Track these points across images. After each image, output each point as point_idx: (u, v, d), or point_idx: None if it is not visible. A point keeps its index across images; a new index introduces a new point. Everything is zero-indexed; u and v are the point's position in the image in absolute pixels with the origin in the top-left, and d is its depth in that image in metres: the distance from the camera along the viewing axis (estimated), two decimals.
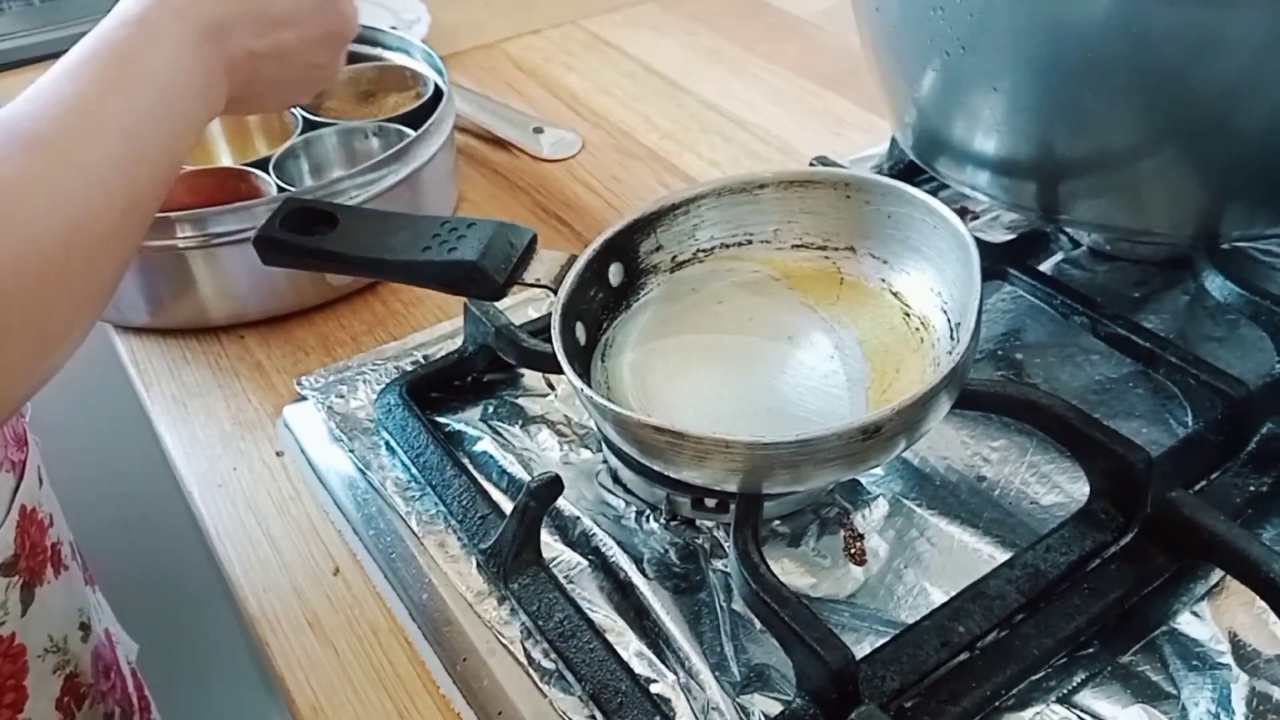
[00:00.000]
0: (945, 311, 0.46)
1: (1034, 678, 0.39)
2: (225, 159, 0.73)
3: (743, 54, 0.90)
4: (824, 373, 0.46)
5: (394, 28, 0.90)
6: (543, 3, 1.00)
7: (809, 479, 0.41)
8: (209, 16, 0.45)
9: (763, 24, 0.95)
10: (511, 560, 0.43)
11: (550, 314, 0.45)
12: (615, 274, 0.49)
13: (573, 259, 0.47)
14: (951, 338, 0.45)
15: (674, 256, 0.51)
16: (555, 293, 0.46)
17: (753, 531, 0.40)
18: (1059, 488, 0.47)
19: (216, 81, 0.46)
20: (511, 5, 1.00)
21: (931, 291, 0.47)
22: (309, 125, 0.69)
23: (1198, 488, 0.46)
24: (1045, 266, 0.60)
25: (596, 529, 0.45)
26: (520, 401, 0.53)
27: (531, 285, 0.47)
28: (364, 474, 0.49)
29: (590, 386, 0.45)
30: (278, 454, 0.53)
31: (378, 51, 0.76)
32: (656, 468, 0.42)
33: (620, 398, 0.45)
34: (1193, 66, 0.46)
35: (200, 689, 0.88)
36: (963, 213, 0.65)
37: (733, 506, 0.42)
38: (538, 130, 0.78)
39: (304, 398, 0.54)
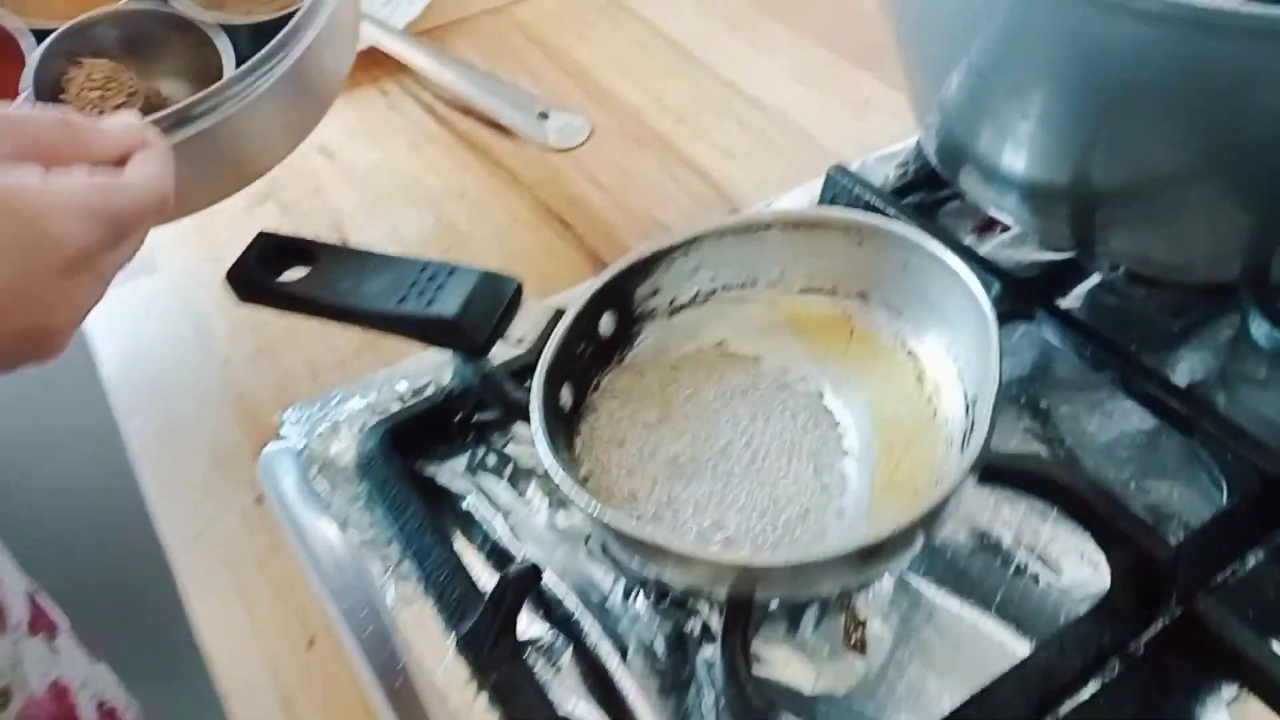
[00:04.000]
0: (961, 380, 0.42)
1: None
2: None
3: (767, 20, 0.84)
4: (827, 445, 0.43)
5: None
6: None
7: (806, 593, 0.38)
8: None
9: None
10: (488, 652, 0.40)
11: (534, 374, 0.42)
12: (607, 324, 0.46)
13: (559, 315, 0.44)
14: (966, 414, 0.41)
15: (672, 299, 0.47)
16: (540, 353, 0.43)
17: (742, 642, 0.38)
18: (1080, 562, 0.44)
19: None
20: None
21: (948, 354, 0.43)
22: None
23: (1229, 572, 0.42)
24: (1079, 291, 0.56)
25: (580, 610, 0.43)
26: (510, 450, 0.50)
27: (514, 345, 0.44)
28: (341, 532, 0.47)
29: (575, 458, 0.43)
30: (257, 500, 0.50)
31: None
32: (646, 571, 0.39)
33: (603, 470, 0.42)
34: (1245, 95, 0.41)
35: None
36: (992, 223, 0.60)
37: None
38: (543, 115, 0.73)
39: (283, 436, 0.51)
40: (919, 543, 0.36)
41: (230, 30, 0.55)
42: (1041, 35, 0.44)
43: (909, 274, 0.44)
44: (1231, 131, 0.42)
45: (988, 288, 0.48)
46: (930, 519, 0.34)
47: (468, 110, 0.75)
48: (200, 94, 0.49)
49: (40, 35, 0.52)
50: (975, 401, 0.41)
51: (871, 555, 0.34)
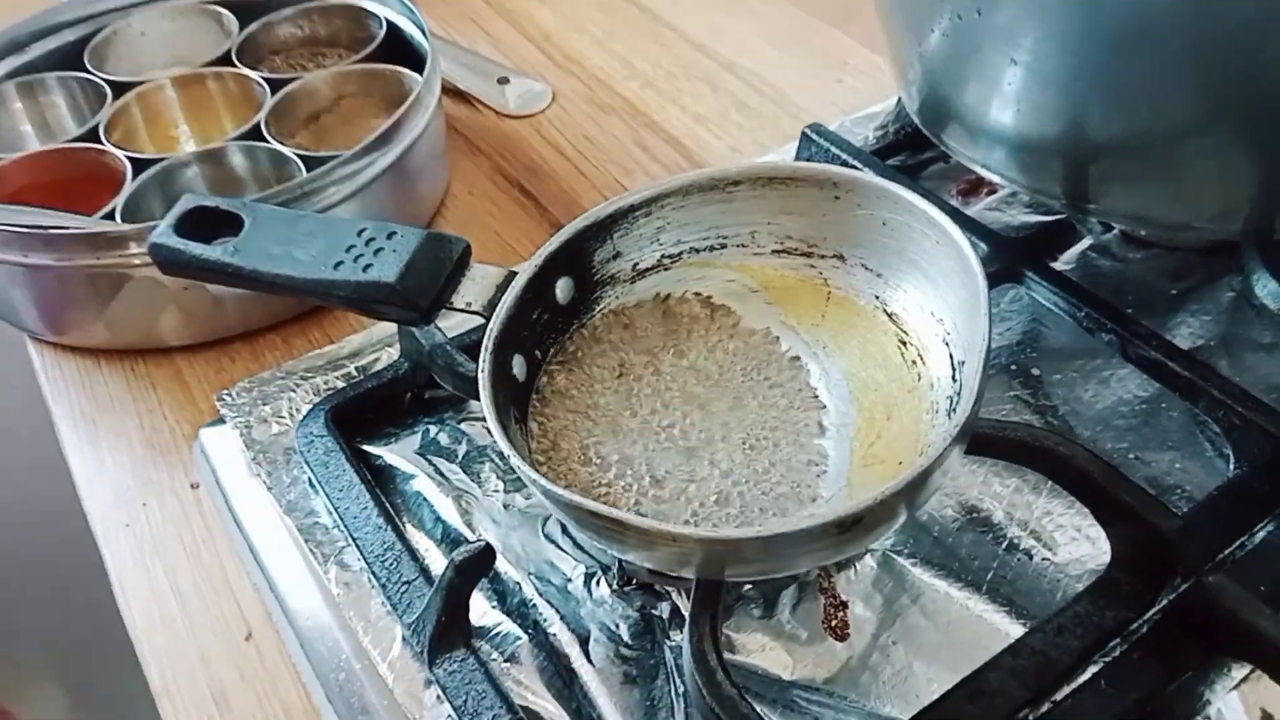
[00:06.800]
0: (947, 344, 0.39)
1: None
2: (187, 136, 0.65)
3: None
4: (803, 416, 0.39)
5: None
6: None
7: (781, 570, 0.35)
8: None
9: None
10: (436, 642, 0.37)
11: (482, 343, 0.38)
12: (564, 290, 0.42)
13: (510, 278, 0.40)
14: (954, 379, 0.38)
15: (635, 264, 0.44)
16: (489, 320, 0.39)
17: (711, 623, 0.34)
18: (1077, 537, 0.41)
19: None
20: None
21: (933, 316, 0.40)
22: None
23: (1237, 545, 0.39)
24: (1071, 254, 0.53)
25: (538, 598, 0.39)
26: (464, 427, 0.46)
27: (462, 311, 0.40)
28: (282, 518, 0.43)
29: (529, 432, 0.39)
30: (193, 486, 0.47)
31: (346, 0, 0.68)
32: (607, 549, 0.36)
33: (560, 444, 0.39)
34: (1264, 29, 0.38)
35: None
36: (978, 185, 0.57)
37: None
38: (503, 81, 0.69)
39: (223, 418, 0.48)
40: (901, 516, 0.33)
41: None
42: None
43: (889, 231, 0.41)
44: (1246, 71, 0.39)
45: (974, 248, 0.45)
46: (913, 489, 0.31)
47: None
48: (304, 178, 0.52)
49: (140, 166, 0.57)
50: (962, 365, 0.37)
51: (849, 528, 0.31)
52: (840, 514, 0.31)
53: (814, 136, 0.56)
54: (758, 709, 0.33)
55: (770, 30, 0.74)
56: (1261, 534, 0.39)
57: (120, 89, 0.62)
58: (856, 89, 0.68)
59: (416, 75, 0.60)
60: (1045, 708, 0.35)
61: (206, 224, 0.43)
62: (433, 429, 0.46)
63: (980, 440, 0.40)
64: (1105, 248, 0.53)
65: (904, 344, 0.40)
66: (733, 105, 0.68)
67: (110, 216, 0.53)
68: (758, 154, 0.63)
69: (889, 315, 0.41)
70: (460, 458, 0.45)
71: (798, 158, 0.57)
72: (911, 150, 0.59)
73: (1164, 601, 0.37)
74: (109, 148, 0.58)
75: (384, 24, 0.65)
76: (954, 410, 0.37)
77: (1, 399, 0.64)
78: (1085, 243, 0.53)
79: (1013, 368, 0.47)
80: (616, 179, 0.63)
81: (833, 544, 0.32)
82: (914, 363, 0.40)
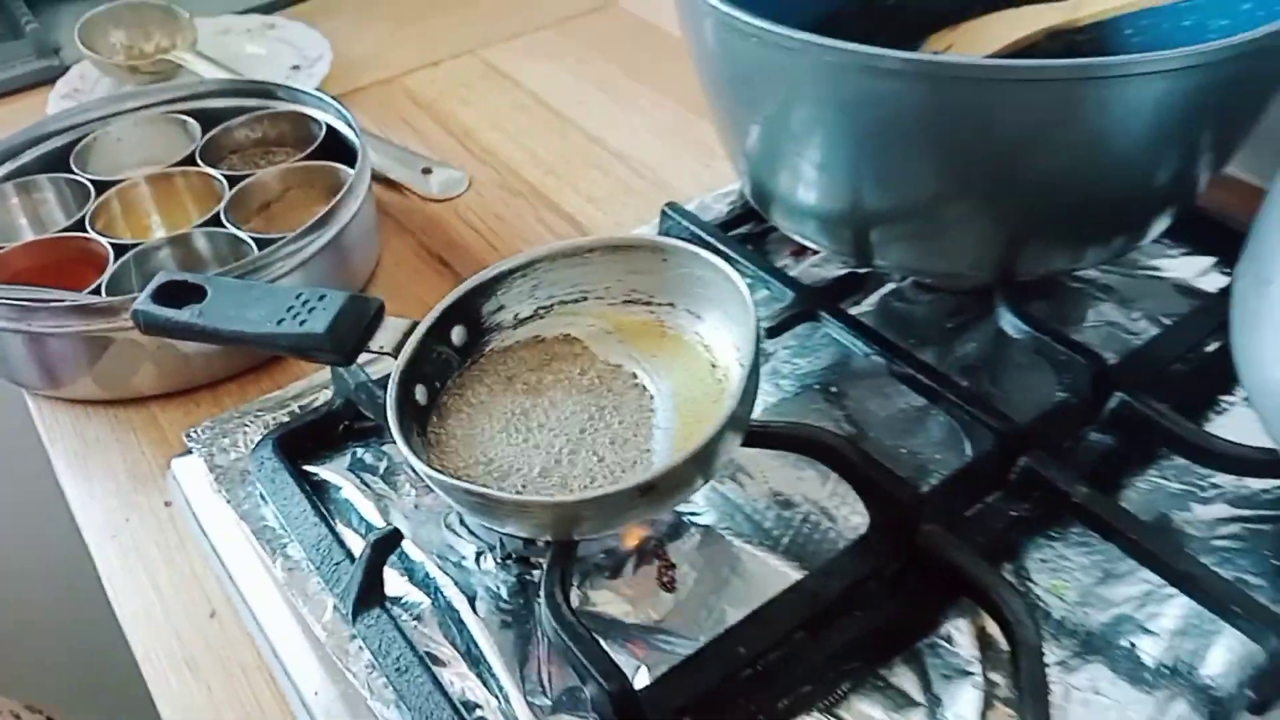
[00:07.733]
0: (741, 365, 0.51)
1: (803, 690, 0.46)
2: (158, 224, 0.77)
3: (630, 82, 0.95)
4: (640, 423, 0.52)
5: (297, 66, 0.95)
6: (444, 31, 1.05)
7: (611, 528, 0.47)
8: None
9: (654, 49, 1.00)
10: (358, 606, 0.49)
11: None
12: (458, 335, 0.55)
13: (414, 326, 0.53)
14: None
15: (516, 314, 0.56)
16: (396, 358, 0.52)
17: (560, 574, 0.46)
18: (857, 511, 0.53)
19: None
20: (413, 35, 1.05)
21: (734, 347, 0.53)
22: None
23: (962, 512, 0.51)
24: (873, 298, 0.66)
25: (438, 572, 0.51)
26: (385, 449, 0.58)
27: (376, 353, 0.52)
28: (239, 524, 0.55)
29: (428, 442, 0.51)
30: (166, 504, 0.58)
31: (292, 107, 0.81)
32: (483, 522, 0.48)
33: (454, 453, 0.51)
34: (978, 136, 0.51)
35: None
36: (801, 250, 0.70)
37: None
38: (426, 171, 0.83)
39: (190, 450, 0.59)
40: (691, 482, 0.45)
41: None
42: (811, 94, 0.54)
43: (701, 283, 0.54)
44: (969, 162, 0.52)
45: (783, 297, 0.59)
46: (692, 461, 0.44)
47: None
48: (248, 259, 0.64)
49: (120, 250, 0.68)
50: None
51: (648, 492, 0.43)
52: (639, 481, 0.43)
53: (670, 213, 0.69)
54: (603, 643, 0.45)
55: (654, 124, 0.88)
56: (982, 504, 0.52)
57: (102, 186, 0.74)
58: (720, 172, 0.82)
59: (350, 169, 0.73)
60: (813, 629, 0.47)
61: (177, 294, 0.54)
62: (360, 451, 0.58)
63: (773, 437, 0.52)
64: (901, 292, 0.66)
65: (714, 366, 0.53)
66: (620, 188, 0.81)
67: (96, 292, 0.65)
68: (638, 227, 0.76)
69: (704, 346, 0.54)
70: (381, 472, 0.57)
71: (660, 230, 0.70)
72: (755, 221, 0.72)
73: (906, 553, 0.49)
74: (93, 235, 0.70)
75: (324, 127, 0.78)
76: None
77: (3, 445, 0.75)
78: (887, 288, 0.66)
79: (816, 387, 0.60)
80: (521, 250, 0.75)
81: (643, 504, 0.44)
82: (719, 380, 0.52)
